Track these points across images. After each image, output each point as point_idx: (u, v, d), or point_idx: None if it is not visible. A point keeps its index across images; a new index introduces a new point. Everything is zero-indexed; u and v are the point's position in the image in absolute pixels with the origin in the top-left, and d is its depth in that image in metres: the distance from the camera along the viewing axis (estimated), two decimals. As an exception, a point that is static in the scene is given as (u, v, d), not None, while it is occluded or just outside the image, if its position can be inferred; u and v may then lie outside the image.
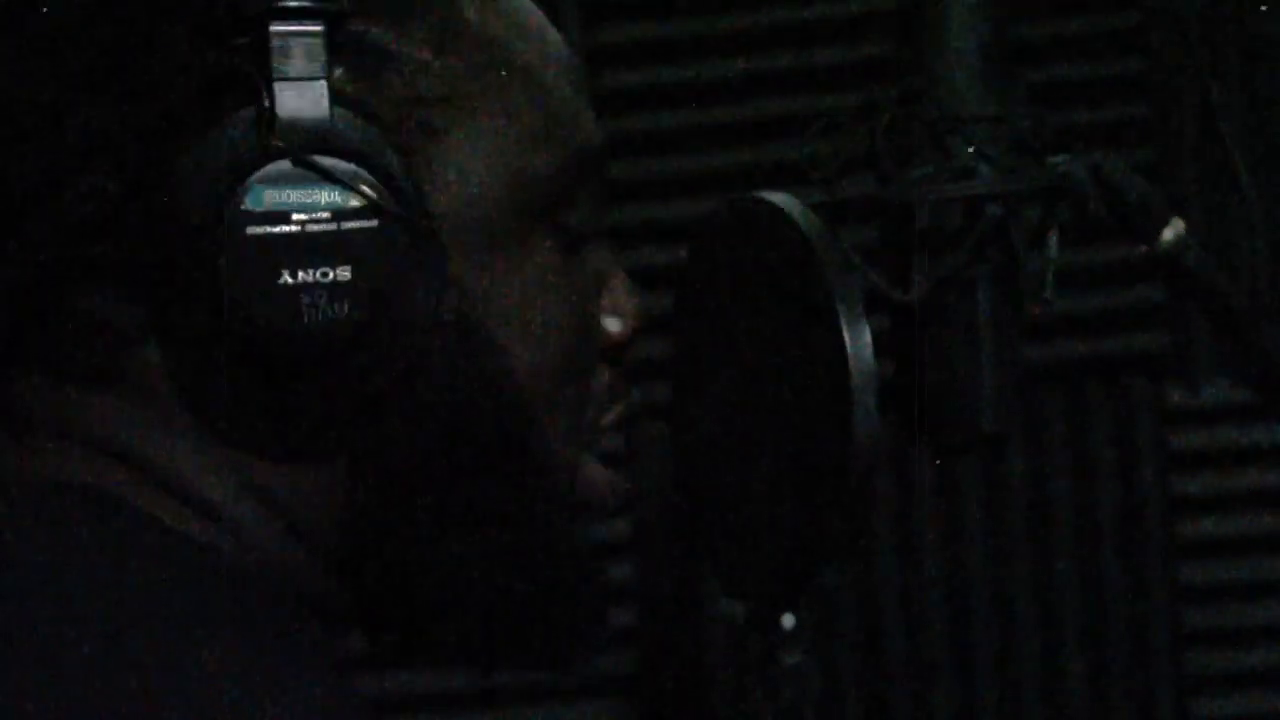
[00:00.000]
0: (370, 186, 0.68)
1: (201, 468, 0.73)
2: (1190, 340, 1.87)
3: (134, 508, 0.73)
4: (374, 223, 0.68)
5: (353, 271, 0.68)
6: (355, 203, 0.68)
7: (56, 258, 0.71)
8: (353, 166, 0.68)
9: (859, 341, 0.88)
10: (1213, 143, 1.82)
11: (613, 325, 0.81)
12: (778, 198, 0.94)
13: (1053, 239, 1.00)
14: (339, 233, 0.68)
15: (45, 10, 0.71)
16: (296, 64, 0.68)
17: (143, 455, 0.73)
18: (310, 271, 0.68)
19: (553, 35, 0.80)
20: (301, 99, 0.68)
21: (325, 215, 0.68)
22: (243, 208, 0.67)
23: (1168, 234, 1.01)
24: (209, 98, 0.69)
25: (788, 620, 0.95)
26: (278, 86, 0.68)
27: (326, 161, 0.68)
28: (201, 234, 0.68)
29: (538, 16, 0.80)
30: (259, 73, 0.68)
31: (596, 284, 0.81)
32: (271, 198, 0.68)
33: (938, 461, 1.85)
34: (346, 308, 0.68)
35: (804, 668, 0.96)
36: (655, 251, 1.81)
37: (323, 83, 0.68)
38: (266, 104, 0.68)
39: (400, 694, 1.82)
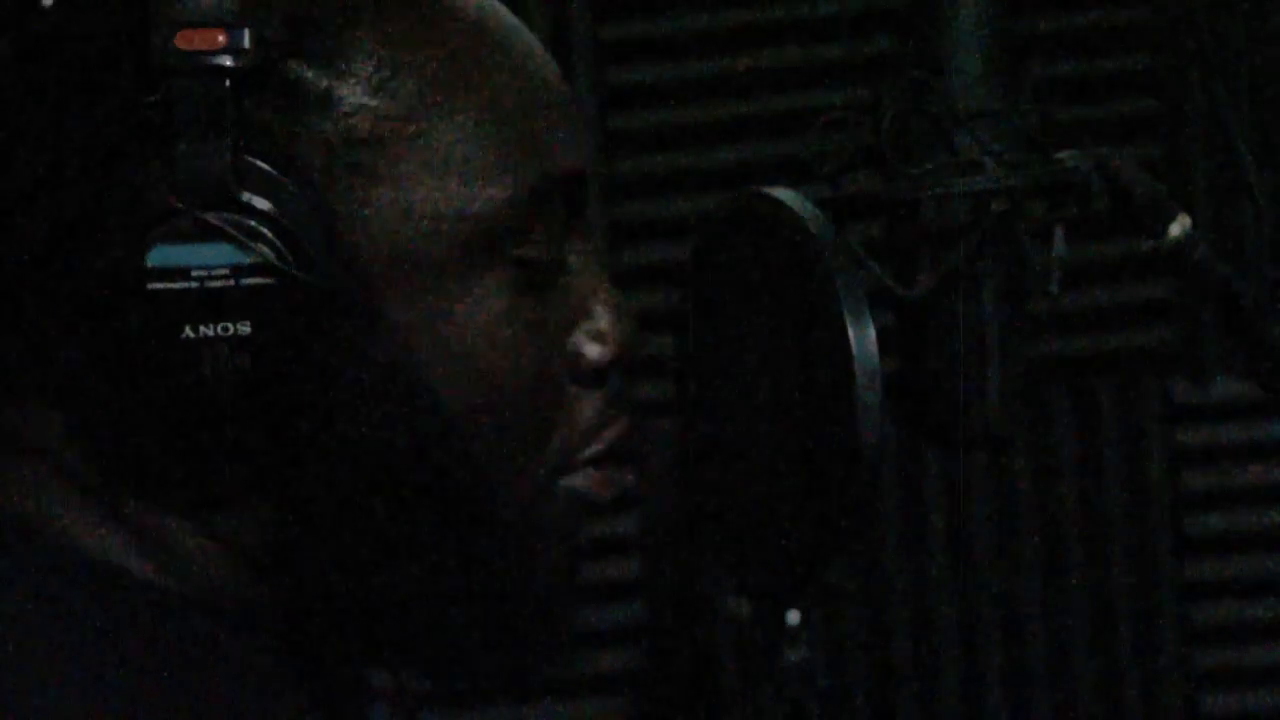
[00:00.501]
0: (268, 244, 0.68)
1: (102, 530, 0.73)
2: (1197, 336, 1.87)
3: (58, 536, 0.73)
4: (272, 280, 0.69)
5: (253, 326, 0.69)
6: (253, 260, 0.68)
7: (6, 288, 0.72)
8: (252, 223, 0.69)
9: (863, 338, 0.87)
10: (1220, 139, 1.81)
11: (592, 351, 0.79)
12: (782, 193, 0.94)
13: (1059, 234, 1.00)
14: (238, 289, 0.68)
15: None
16: (201, 120, 0.68)
17: (80, 476, 0.73)
18: (211, 326, 0.68)
19: (529, 59, 0.78)
20: (205, 155, 0.68)
21: (224, 272, 0.68)
22: (145, 264, 0.68)
23: (1174, 229, 1.01)
24: (118, 152, 0.69)
25: (793, 616, 0.95)
26: (182, 143, 0.68)
27: (223, 219, 0.68)
28: (104, 289, 0.68)
29: (514, 39, 0.78)
30: (163, 129, 0.68)
31: (577, 311, 0.79)
32: (173, 254, 0.68)
33: (945, 458, 1.85)
34: (248, 360, 0.69)
35: (809, 663, 0.96)
36: (660, 248, 1.81)
37: (227, 140, 0.68)
38: (171, 160, 0.68)
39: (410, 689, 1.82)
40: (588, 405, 0.79)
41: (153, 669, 0.71)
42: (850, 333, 0.87)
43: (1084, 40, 1.83)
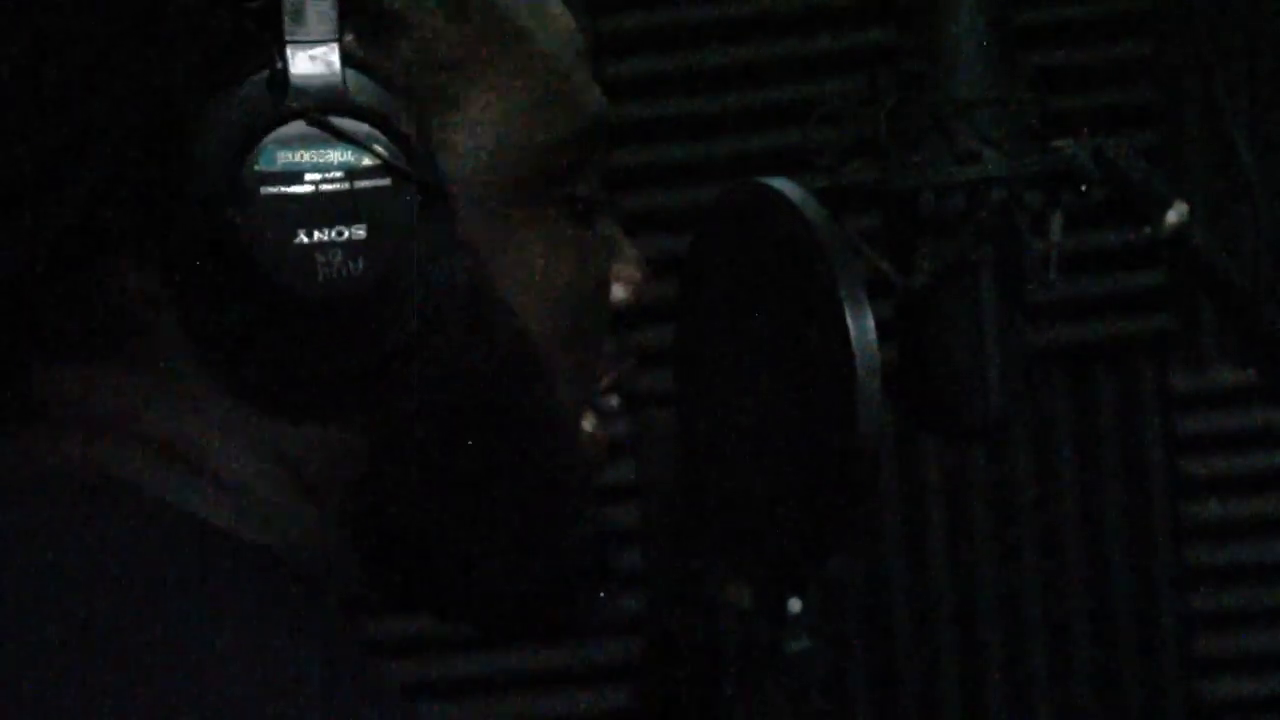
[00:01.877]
0: (383, 146, 0.69)
1: (222, 438, 0.73)
2: (1195, 323, 1.87)
3: (148, 495, 0.73)
4: (387, 182, 0.69)
5: (368, 230, 0.68)
6: (368, 162, 0.69)
7: (69, 229, 0.72)
8: (365, 127, 0.69)
9: (863, 327, 0.88)
10: (1217, 127, 1.82)
11: (619, 292, 0.82)
12: (781, 184, 0.94)
13: (1056, 222, 1.00)
14: (353, 192, 0.68)
15: None
16: (308, 27, 0.69)
17: (162, 432, 0.73)
18: (325, 230, 0.68)
19: (555, 7, 0.81)
20: (313, 61, 0.68)
21: (339, 175, 0.68)
22: (256, 168, 0.68)
23: (1171, 216, 1.01)
24: (221, 62, 0.69)
25: (794, 605, 0.95)
26: (290, 49, 0.68)
27: (339, 121, 0.68)
28: (216, 196, 0.68)
29: None
30: (271, 36, 0.68)
31: (608, 251, 0.82)
32: (285, 158, 0.68)
33: (944, 447, 1.85)
34: (362, 266, 0.69)
35: (811, 653, 0.97)
36: (659, 239, 1.81)
37: (334, 45, 0.69)
38: (279, 66, 0.68)
39: (411, 680, 1.82)
40: (605, 346, 0.82)
41: (244, 624, 0.70)
42: (849, 322, 0.88)
43: (1081, 29, 1.83)
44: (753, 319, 0.98)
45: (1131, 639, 1.89)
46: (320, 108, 0.68)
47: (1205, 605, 1.88)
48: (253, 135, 0.68)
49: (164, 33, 0.70)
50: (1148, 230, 1.04)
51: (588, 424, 0.82)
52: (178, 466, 0.73)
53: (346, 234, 0.68)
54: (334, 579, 0.77)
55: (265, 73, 0.68)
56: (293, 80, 0.68)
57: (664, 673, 1.88)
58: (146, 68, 0.70)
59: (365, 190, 0.68)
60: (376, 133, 0.69)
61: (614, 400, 0.83)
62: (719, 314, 1.02)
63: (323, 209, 0.68)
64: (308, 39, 0.69)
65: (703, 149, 1.84)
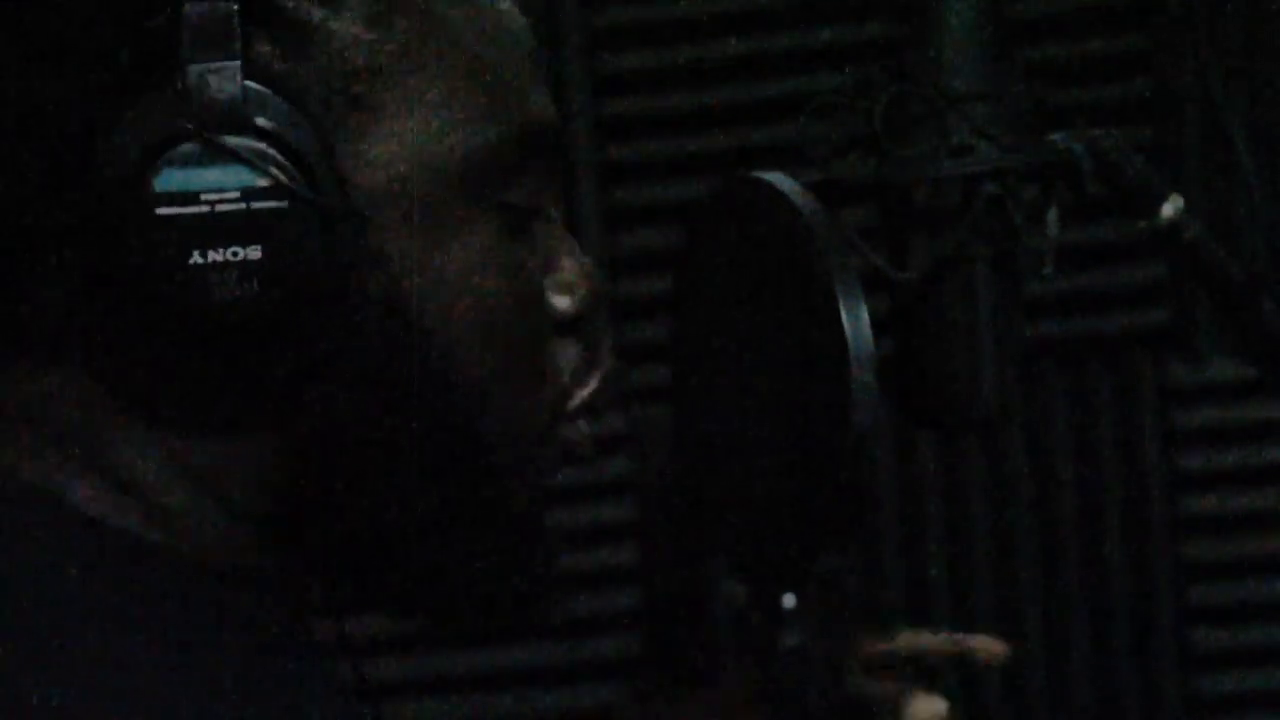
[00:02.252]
0: (279, 167, 0.69)
1: (135, 447, 0.74)
2: (1192, 317, 1.86)
3: (49, 494, 0.73)
4: (284, 203, 0.69)
5: (263, 250, 0.69)
6: (264, 182, 0.68)
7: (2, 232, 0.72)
8: (263, 146, 0.69)
9: (857, 321, 0.88)
10: (1214, 121, 1.81)
11: (560, 302, 0.81)
12: (774, 178, 0.94)
13: (1052, 216, 1.00)
14: (248, 213, 0.69)
15: None
16: (209, 44, 0.69)
17: (76, 436, 0.74)
18: (220, 251, 0.68)
19: (504, 10, 0.79)
20: (215, 78, 0.68)
21: (234, 195, 0.68)
22: (153, 188, 0.68)
23: (1166, 209, 1.01)
24: (126, 79, 0.70)
25: (788, 601, 0.95)
26: (191, 67, 0.68)
27: (235, 141, 0.68)
28: (115, 215, 0.68)
29: None
30: (170, 53, 0.68)
31: (546, 262, 0.81)
32: (181, 178, 0.68)
33: (939, 441, 1.85)
34: (257, 286, 0.69)
35: (806, 648, 0.96)
36: (653, 233, 1.81)
37: (236, 63, 0.69)
38: (180, 84, 0.68)
39: (401, 678, 1.82)
40: (565, 356, 0.81)
41: (153, 628, 0.71)
42: (844, 316, 0.87)
43: (1076, 22, 1.83)
44: (748, 313, 0.98)
45: (1128, 632, 1.88)
46: (217, 127, 0.68)
47: (1202, 598, 1.88)
48: (150, 154, 0.68)
49: (68, 48, 0.70)
50: (1143, 224, 1.03)
51: (571, 428, 0.81)
52: (87, 471, 0.74)
53: (242, 254, 0.69)
54: (255, 585, 0.77)
55: (166, 91, 0.68)
56: (193, 98, 0.68)
57: (659, 668, 1.88)
58: (56, 82, 0.70)
59: (262, 211, 0.69)
60: (273, 152, 0.69)
61: (581, 426, 0.82)
62: (714, 309, 1.02)
63: (218, 230, 0.68)
64: (207, 56, 0.68)
65: (697, 143, 1.84)
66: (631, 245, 1.82)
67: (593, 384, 0.82)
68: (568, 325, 0.81)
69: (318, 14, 0.72)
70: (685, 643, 1.88)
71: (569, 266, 0.82)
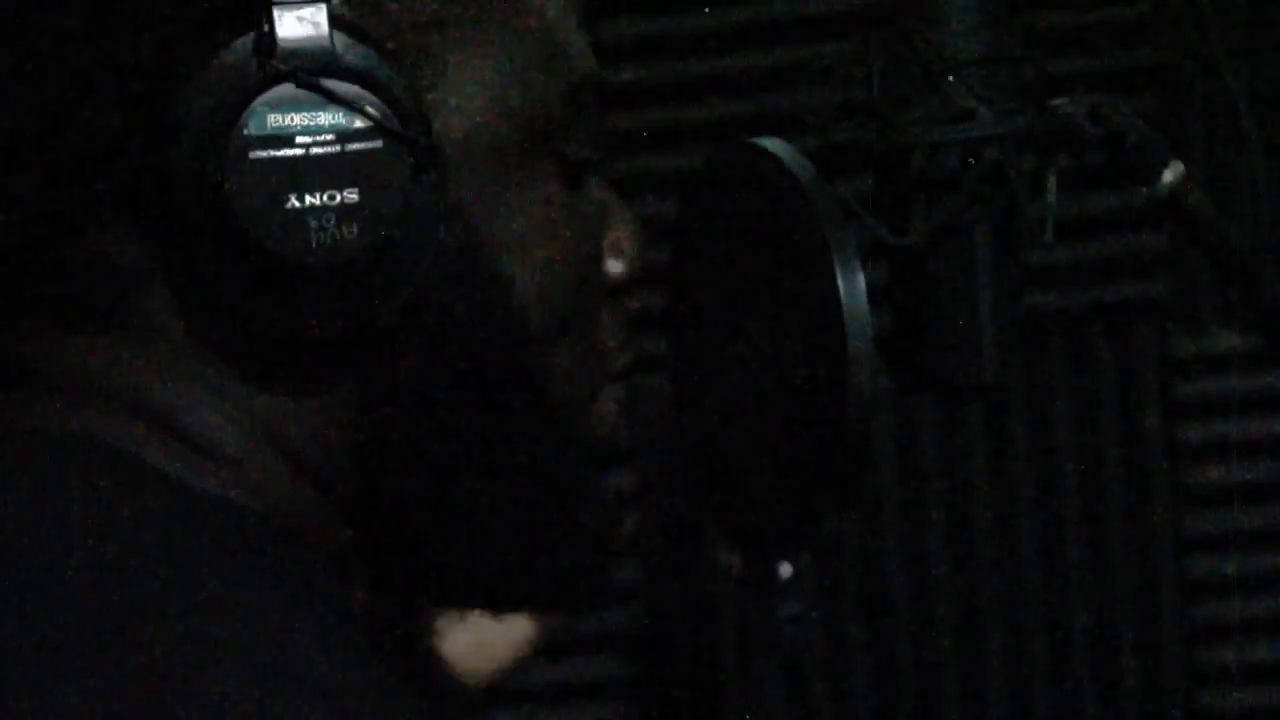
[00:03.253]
0: (374, 107, 0.68)
1: (210, 409, 0.73)
2: (1194, 287, 1.86)
3: (132, 458, 0.72)
4: (379, 144, 0.68)
5: (360, 193, 0.68)
6: (359, 124, 0.68)
7: (59, 197, 0.71)
8: (355, 88, 0.68)
9: (853, 287, 0.87)
10: (1217, 89, 1.81)
11: (613, 266, 0.81)
12: (771, 144, 0.93)
13: (1051, 182, 0.99)
14: (344, 154, 0.68)
15: None
16: None
17: (149, 400, 0.73)
18: (317, 194, 0.67)
19: None
20: (301, 23, 0.68)
21: (329, 137, 0.68)
22: (246, 132, 0.67)
23: (1167, 176, 1.00)
24: (208, 26, 0.69)
25: (785, 570, 0.95)
26: (277, 11, 0.68)
27: (329, 83, 0.67)
28: (205, 161, 0.67)
29: None
30: None
31: (601, 218, 0.81)
32: (275, 121, 0.67)
33: (940, 409, 1.85)
34: (356, 230, 0.68)
35: (803, 617, 0.96)
36: (651, 203, 1.80)
37: (323, 6, 0.68)
38: (265, 28, 0.67)
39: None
40: (609, 318, 0.82)
41: (224, 583, 0.70)
42: (840, 282, 0.87)
43: (1078, -10, 1.82)
44: (745, 281, 0.98)
45: (1130, 604, 1.88)
46: (309, 69, 0.67)
47: (1204, 571, 1.88)
48: (241, 99, 0.67)
49: None
50: (1144, 191, 1.03)
51: (606, 404, 0.81)
52: (162, 433, 0.73)
53: (339, 198, 0.68)
54: (325, 548, 0.76)
55: (252, 35, 0.68)
56: (280, 42, 0.67)
57: (661, 642, 1.88)
58: (133, 33, 0.70)
59: (357, 153, 0.68)
60: (368, 94, 0.68)
61: (611, 397, 0.82)
62: (711, 276, 1.01)
63: (314, 172, 0.67)
64: (295, 0, 0.68)
65: (696, 112, 1.83)
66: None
67: (631, 352, 0.82)
68: (618, 289, 0.81)
69: None
70: (686, 615, 1.88)
71: (622, 227, 0.81)
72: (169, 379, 0.73)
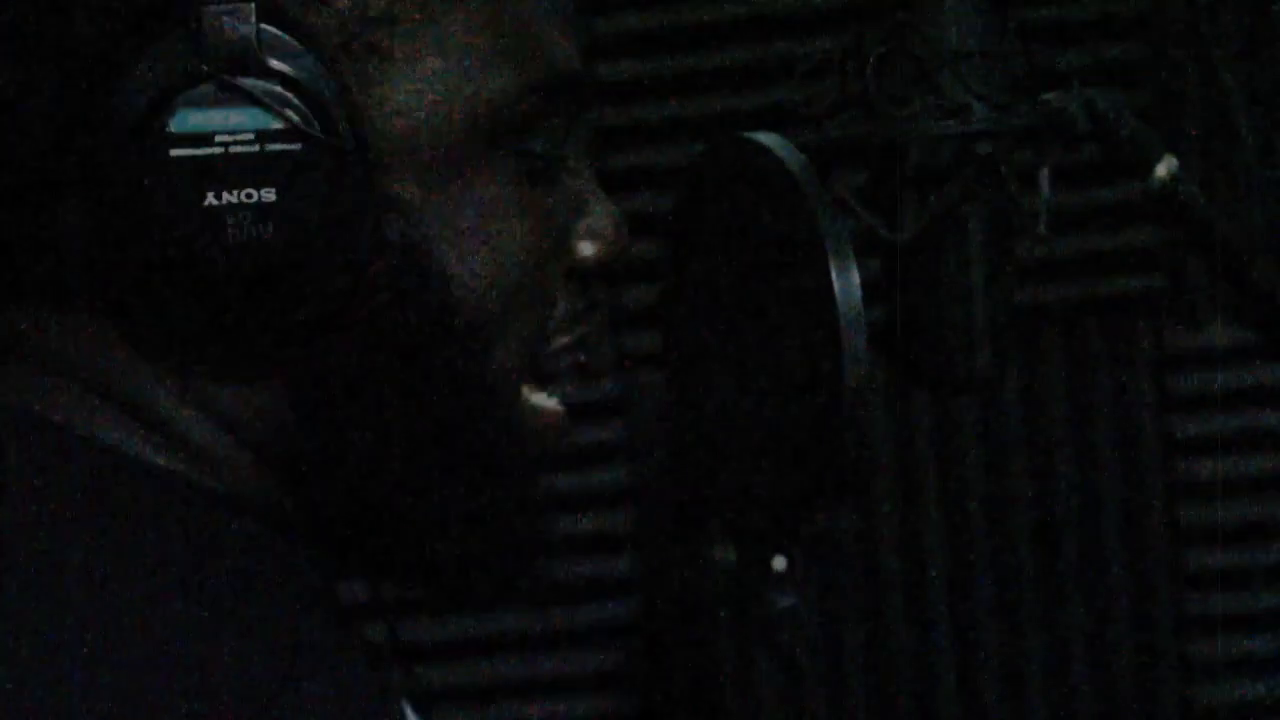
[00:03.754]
0: (294, 110, 0.68)
1: (154, 387, 0.74)
2: (1188, 281, 1.86)
3: (77, 433, 0.74)
4: (298, 146, 0.68)
5: (277, 193, 0.69)
6: (279, 125, 0.68)
7: (10, 180, 0.72)
8: (276, 88, 0.69)
9: (847, 282, 0.87)
10: (1210, 83, 1.81)
11: (586, 248, 0.81)
12: (766, 138, 0.93)
13: (1045, 176, 0.99)
14: (263, 154, 0.69)
15: None
16: None
17: (97, 375, 0.74)
18: (234, 193, 0.68)
19: None
20: (230, 20, 0.68)
21: (249, 137, 0.68)
22: (167, 130, 0.68)
23: (1160, 170, 1.01)
24: (141, 22, 0.70)
25: (779, 562, 0.95)
26: (205, 10, 0.68)
27: (251, 83, 0.68)
28: (130, 156, 0.68)
29: None
30: None
31: (573, 208, 0.81)
32: (196, 120, 0.68)
33: (934, 403, 1.85)
34: (271, 229, 0.68)
35: (798, 610, 0.96)
36: (645, 197, 1.80)
37: (250, 5, 0.69)
38: (193, 26, 0.68)
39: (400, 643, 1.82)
40: (565, 299, 0.81)
41: (175, 557, 0.71)
42: (834, 276, 0.87)
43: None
44: (740, 275, 0.98)
45: (1124, 596, 1.89)
46: (232, 69, 0.68)
47: (1198, 563, 1.88)
48: (163, 96, 0.68)
49: None
50: (1138, 185, 1.03)
51: (540, 399, 0.81)
52: (114, 410, 0.74)
53: (256, 196, 0.68)
54: (276, 519, 0.77)
55: (181, 33, 0.68)
56: (206, 41, 0.68)
57: (655, 633, 1.88)
58: (71, 26, 0.71)
59: (276, 153, 0.69)
60: (288, 95, 0.69)
61: (577, 356, 0.82)
62: (706, 271, 1.01)
63: (232, 171, 0.68)
64: None
65: (690, 105, 1.83)
66: (624, 208, 1.81)
67: (576, 333, 0.82)
68: (585, 271, 0.81)
69: None
70: (679, 608, 1.88)
71: (601, 214, 0.82)
72: (116, 356, 0.74)
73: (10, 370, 0.75)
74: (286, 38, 0.69)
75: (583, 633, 1.88)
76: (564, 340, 0.81)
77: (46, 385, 0.74)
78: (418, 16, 0.74)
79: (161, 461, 0.74)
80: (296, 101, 0.69)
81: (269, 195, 0.68)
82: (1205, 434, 1.88)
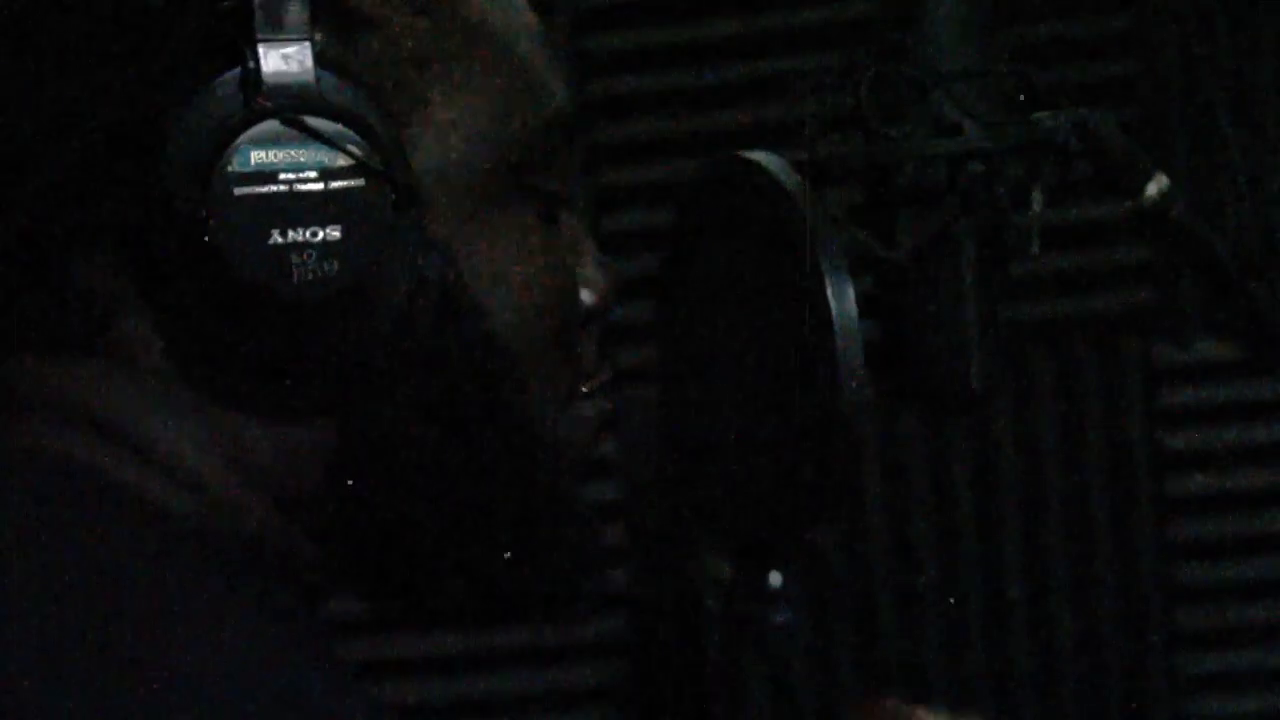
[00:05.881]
0: (356, 146, 0.69)
1: (182, 435, 0.74)
2: (1178, 297, 1.87)
3: (103, 475, 0.73)
4: (362, 182, 0.69)
5: (342, 231, 0.69)
6: (342, 162, 0.69)
7: (43, 224, 0.72)
8: (338, 126, 0.69)
9: (843, 299, 0.88)
10: (1199, 101, 1.81)
11: (585, 296, 0.82)
12: (761, 157, 0.94)
13: (1037, 195, 1.00)
14: (327, 192, 0.69)
15: None
16: (280, 25, 0.69)
17: (121, 423, 0.74)
18: (300, 231, 0.68)
19: (519, 3, 0.81)
20: (286, 60, 0.69)
21: (313, 175, 0.68)
22: (230, 169, 0.68)
23: (1151, 189, 1.01)
24: (195, 61, 0.70)
25: (774, 579, 0.95)
26: (262, 48, 0.68)
27: (313, 121, 0.68)
28: (189, 196, 0.68)
29: None
30: (243, 35, 0.68)
31: (571, 251, 0.82)
32: (259, 158, 0.68)
33: (926, 420, 1.85)
34: (337, 267, 0.69)
35: (792, 625, 0.97)
36: (641, 214, 1.81)
37: (307, 44, 0.69)
38: (252, 65, 0.68)
39: (392, 658, 1.82)
40: (585, 346, 0.82)
41: (186, 600, 0.71)
42: (830, 295, 0.88)
43: (1063, 2, 1.83)
44: (735, 293, 0.98)
45: (1114, 612, 1.89)
46: (293, 106, 0.68)
47: (1188, 578, 1.88)
48: (226, 135, 0.68)
49: (138, 31, 0.70)
50: (1128, 204, 1.03)
51: (580, 407, 0.82)
52: (134, 456, 0.74)
53: (321, 234, 0.68)
54: (294, 572, 0.77)
55: (238, 71, 0.68)
56: (265, 79, 0.68)
57: (648, 648, 1.88)
58: (120, 65, 0.70)
59: (340, 190, 0.69)
60: (350, 132, 0.69)
61: (591, 408, 0.83)
62: (700, 288, 1.02)
63: (297, 209, 0.68)
64: (280, 37, 0.68)
65: (684, 124, 1.84)
66: (619, 226, 1.82)
67: (604, 374, 0.82)
68: (586, 319, 0.82)
69: (368, 3, 0.73)
70: (673, 622, 1.88)
71: (590, 262, 0.83)
72: (142, 404, 0.74)
73: (36, 417, 0.74)
74: (337, 78, 0.70)
75: (576, 648, 1.88)
76: (594, 382, 0.82)
77: (67, 431, 0.73)
78: (444, 58, 0.75)
79: (173, 503, 0.73)
80: (358, 138, 0.69)
81: (334, 233, 0.68)
82: (1194, 449, 1.89)
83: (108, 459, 0.73)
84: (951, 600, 1.89)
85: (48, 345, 0.74)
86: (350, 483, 0.75)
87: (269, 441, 0.74)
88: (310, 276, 0.68)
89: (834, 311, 0.88)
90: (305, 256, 0.68)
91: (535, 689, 1.89)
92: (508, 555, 0.79)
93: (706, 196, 1.00)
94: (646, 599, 1.88)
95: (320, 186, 0.68)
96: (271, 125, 0.68)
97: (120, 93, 0.70)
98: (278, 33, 0.68)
